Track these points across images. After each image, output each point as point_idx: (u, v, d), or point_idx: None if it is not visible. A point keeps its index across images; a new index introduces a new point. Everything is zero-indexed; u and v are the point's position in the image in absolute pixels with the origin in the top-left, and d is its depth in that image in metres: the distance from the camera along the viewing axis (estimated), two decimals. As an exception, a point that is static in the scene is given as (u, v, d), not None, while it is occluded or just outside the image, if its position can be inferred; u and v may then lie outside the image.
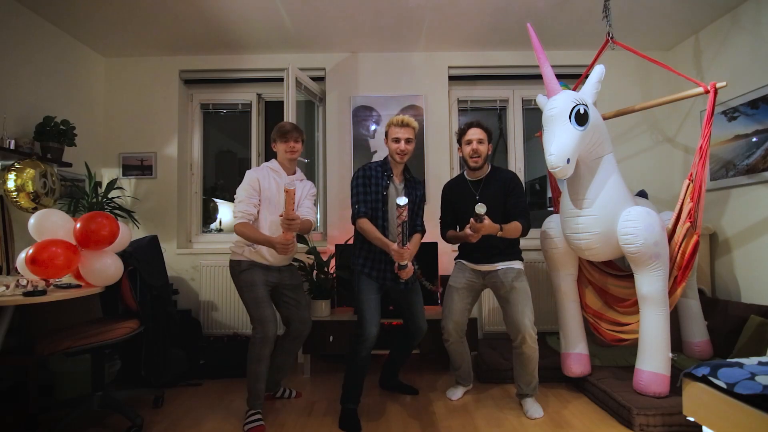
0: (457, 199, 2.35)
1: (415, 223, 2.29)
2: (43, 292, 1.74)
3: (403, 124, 2.17)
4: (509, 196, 2.23)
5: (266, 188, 2.15)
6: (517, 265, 2.25)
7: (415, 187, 2.29)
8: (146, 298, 2.30)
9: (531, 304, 2.19)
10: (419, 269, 2.83)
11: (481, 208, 1.93)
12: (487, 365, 2.62)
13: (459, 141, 2.33)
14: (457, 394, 2.43)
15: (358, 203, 2.14)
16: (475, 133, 2.24)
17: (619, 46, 2.54)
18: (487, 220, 1.99)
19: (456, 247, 2.51)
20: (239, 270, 2.13)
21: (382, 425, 2.07)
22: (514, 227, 2.13)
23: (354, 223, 2.17)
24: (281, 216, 1.94)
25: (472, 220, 2.00)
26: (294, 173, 2.29)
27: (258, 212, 2.14)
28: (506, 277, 2.21)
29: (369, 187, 2.17)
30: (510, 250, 2.26)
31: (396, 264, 2.06)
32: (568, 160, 1.98)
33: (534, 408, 2.18)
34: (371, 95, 3.36)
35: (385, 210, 2.18)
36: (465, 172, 2.39)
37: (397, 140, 2.16)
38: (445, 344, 2.38)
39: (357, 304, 2.14)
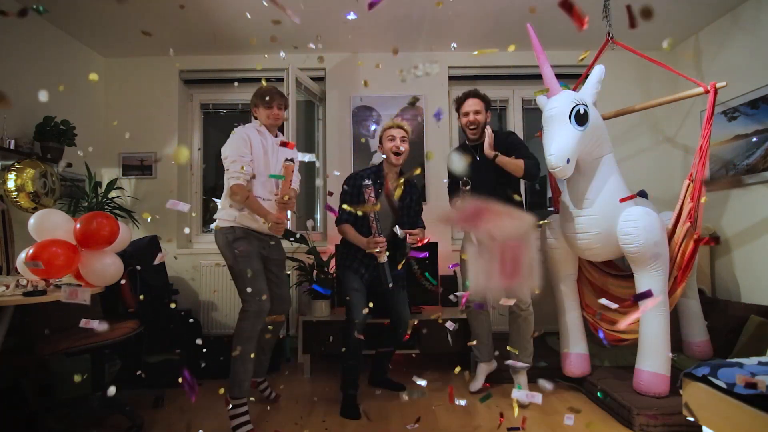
0: (458, 178, 2.37)
1: (416, 223, 2.41)
2: (43, 292, 1.74)
3: (398, 126, 2.28)
4: (512, 153, 2.23)
5: (255, 148, 2.02)
6: None
7: (411, 191, 2.38)
8: (146, 298, 2.30)
9: None
10: (419, 269, 2.84)
11: (464, 185, 2.05)
12: (487, 365, 2.61)
13: (457, 111, 2.39)
14: (477, 383, 2.44)
15: (342, 209, 2.25)
16: (472, 105, 2.30)
17: (619, 46, 2.54)
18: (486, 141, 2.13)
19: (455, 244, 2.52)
20: (233, 237, 1.97)
21: (381, 425, 2.07)
22: (515, 162, 2.16)
23: (337, 226, 2.31)
24: (276, 195, 1.89)
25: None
26: (276, 135, 2.20)
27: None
28: None
29: (357, 196, 2.25)
30: None
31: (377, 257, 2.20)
32: (568, 160, 1.98)
33: (522, 388, 2.25)
34: (371, 95, 3.36)
35: (373, 218, 2.22)
36: (466, 140, 2.44)
37: (392, 138, 2.25)
38: (465, 310, 2.45)
39: (344, 293, 2.28)
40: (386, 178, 2.32)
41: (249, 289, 1.93)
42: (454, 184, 2.38)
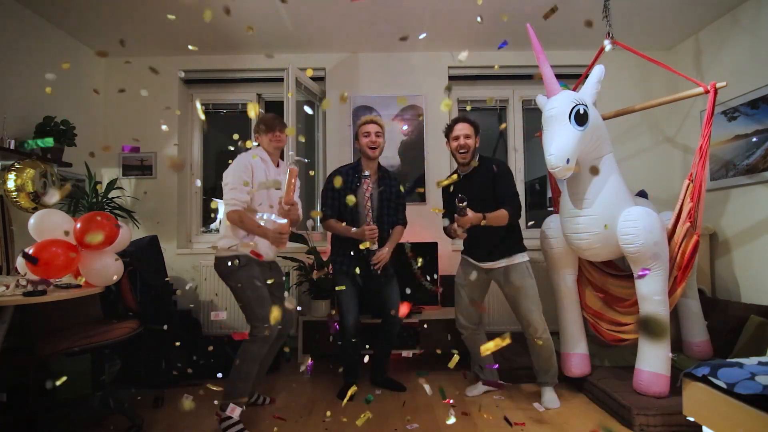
0: (453, 193, 2.34)
1: (395, 218, 2.46)
2: (43, 292, 1.74)
3: (372, 122, 2.39)
4: (496, 185, 2.25)
5: (257, 177, 2.06)
6: (519, 258, 2.26)
7: (390, 183, 2.46)
8: (146, 298, 2.30)
9: (538, 298, 2.24)
10: (419, 269, 2.85)
11: (460, 202, 2.03)
12: (487, 365, 2.61)
13: (447, 136, 2.38)
14: (476, 390, 2.43)
15: (325, 206, 2.38)
16: (462, 129, 2.29)
17: (619, 46, 2.54)
18: (469, 213, 2.07)
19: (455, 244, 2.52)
20: (237, 266, 2.02)
21: (381, 425, 2.07)
22: (498, 215, 2.14)
23: (322, 224, 2.39)
24: (279, 201, 1.93)
25: (456, 215, 2.08)
26: (278, 165, 2.24)
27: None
28: (510, 276, 2.23)
29: (337, 191, 2.35)
30: (510, 243, 2.26)
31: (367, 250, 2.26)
32: (568, 161, 1.98)
33: (550, 398, 2.24)
34: (371, 95, 3.36)
35: (355, 211, 2.33)
36: (458, 167, 2.42)
37: (367, 134, 2.35)
38: (461, 337, 2.44)
39: (336, 297, 2.41)
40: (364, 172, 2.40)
41: (260, 312, 1.99)
42: (450, 206, 2.33)
